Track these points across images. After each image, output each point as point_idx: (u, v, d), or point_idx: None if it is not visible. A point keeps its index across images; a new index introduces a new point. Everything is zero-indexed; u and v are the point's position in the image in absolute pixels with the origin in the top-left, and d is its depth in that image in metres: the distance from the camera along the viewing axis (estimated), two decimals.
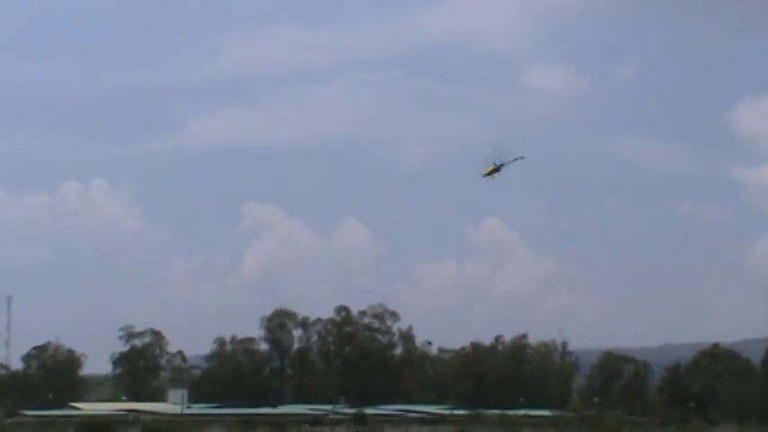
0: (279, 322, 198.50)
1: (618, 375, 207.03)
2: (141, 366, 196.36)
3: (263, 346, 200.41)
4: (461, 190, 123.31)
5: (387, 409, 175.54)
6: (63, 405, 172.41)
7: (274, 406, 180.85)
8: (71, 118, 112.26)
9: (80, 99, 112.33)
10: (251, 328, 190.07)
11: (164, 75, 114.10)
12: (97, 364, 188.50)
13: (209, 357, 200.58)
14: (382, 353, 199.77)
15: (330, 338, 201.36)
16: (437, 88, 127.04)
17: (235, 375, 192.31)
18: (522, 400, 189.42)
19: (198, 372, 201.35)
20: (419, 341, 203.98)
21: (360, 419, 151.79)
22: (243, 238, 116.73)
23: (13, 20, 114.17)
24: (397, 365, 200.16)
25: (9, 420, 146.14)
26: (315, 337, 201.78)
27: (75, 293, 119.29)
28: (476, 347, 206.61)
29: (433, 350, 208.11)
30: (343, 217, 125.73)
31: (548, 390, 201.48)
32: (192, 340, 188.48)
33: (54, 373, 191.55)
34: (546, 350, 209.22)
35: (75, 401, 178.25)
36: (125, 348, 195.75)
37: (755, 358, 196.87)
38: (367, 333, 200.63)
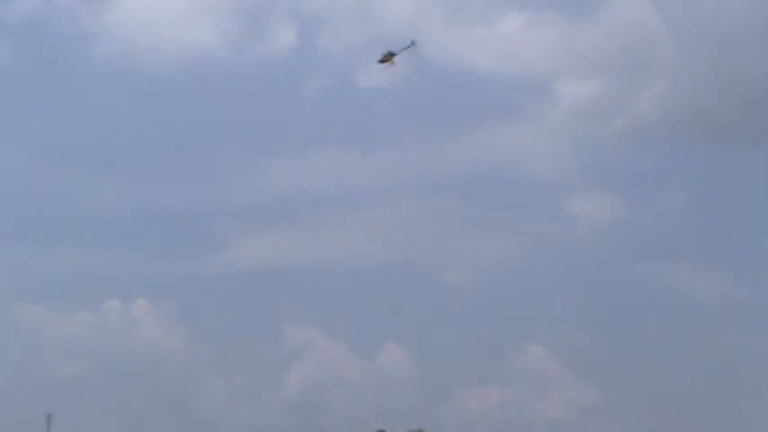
0: None
1: None
2: None
3: None
4: (503, 314, 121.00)
5: None
6: None
7: None
8: (115, 236, 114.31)
9: (124, 218, 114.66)
10: None
11: (208, 195, 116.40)
12: None
13: None
14: None
15: None
16: (479, 212, 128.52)
17: None
18: None
19: None
20: None
21: None
22: (284, 359, 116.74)
23: (59, 136, 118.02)
24: None
25: None
26: None
27: (115, 411, 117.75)
28: None
29: None
30: (384, 339, 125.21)
31: None
32: None
33: None
34: None
35: None
36: None
37: None
38: None
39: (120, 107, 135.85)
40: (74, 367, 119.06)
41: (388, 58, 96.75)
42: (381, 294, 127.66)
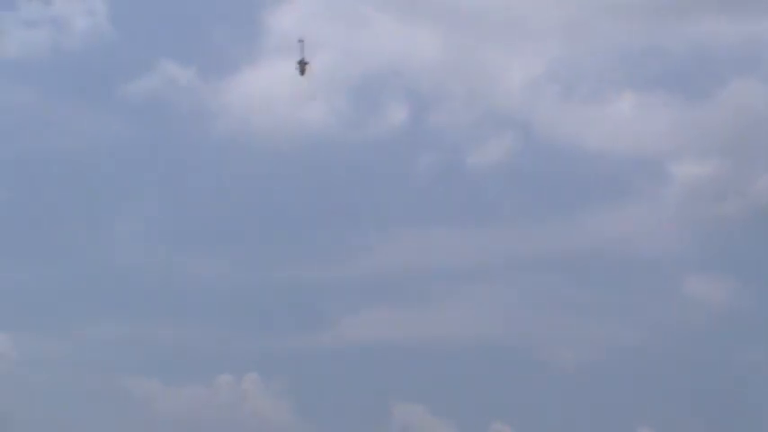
0: None
1: None
2: None
3: None
4: (612, 398, 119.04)
5: None
6: None
7: None
8: (228, 311, 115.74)
9: (238, 293, 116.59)
10: None
11: (319, 271, 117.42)
12: None
13: None
14: None
15: None
16: (590, 292, 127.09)
17: None
18: None
19: None
20: None
21: None
22: None
23: (175, 213, 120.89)
24: None
25: None
26: None
27: None
28: None
29: None
30: (492, 419, 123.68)
31: None
32: None
33: None
34: None
35: None
36: None
37: None
38: None
39: (235, 184, 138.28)
40: None
41: (303, 66, 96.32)
42: (489, 373, 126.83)
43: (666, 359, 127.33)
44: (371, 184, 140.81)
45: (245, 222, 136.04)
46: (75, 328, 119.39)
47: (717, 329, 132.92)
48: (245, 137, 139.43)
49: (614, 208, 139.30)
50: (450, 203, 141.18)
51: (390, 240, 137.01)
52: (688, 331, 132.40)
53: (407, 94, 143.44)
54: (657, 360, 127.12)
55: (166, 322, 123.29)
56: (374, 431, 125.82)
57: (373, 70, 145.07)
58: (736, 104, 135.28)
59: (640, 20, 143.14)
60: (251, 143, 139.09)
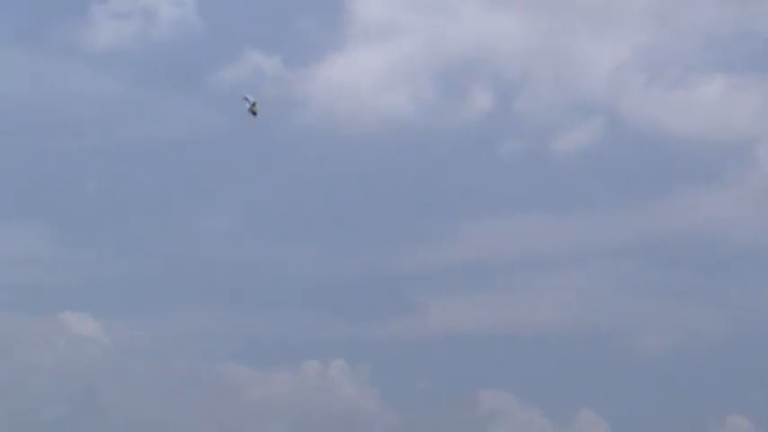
0: None
1: None
2: None
3: None
4: (703, 384, 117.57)
5: None
6: None
7: None
8: (315, 299, 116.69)
9: (324, 281, 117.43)
10: None
11: (404, 259, 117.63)
12: None
13: None
14: None
15: None
16: (677, 277, 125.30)
17: None
18: None
19: None
20: None
21: None
22: (478, 423, 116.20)
23: (261, 203, 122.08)
24: None
25: None
26: None
27: None
28: None
29: None
30: (579, 406, 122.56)
31: None
32: None
33: None
34: None
35: None
36: None
37: None
38: None
39: (320, 172, 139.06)
40: (273, 426, 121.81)
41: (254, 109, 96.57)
42: (576, 359, 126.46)
43: (756, 345, 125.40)
44: (456, 171, 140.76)
45: (331, 210, 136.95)
46: (166, 316, 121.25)
47: None
48: (330, 125, 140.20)
49: (702, 193, 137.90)
50: (535, 190, 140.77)
51: (475, 227, 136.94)
52: None
53: (492, 81, 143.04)
54: (747, 346, 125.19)
55: (255, 310, 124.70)
56: (461, 418, 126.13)
57: (459, 56, 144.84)
58: None
59: (729, 2, 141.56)
60: (336, 131, 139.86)
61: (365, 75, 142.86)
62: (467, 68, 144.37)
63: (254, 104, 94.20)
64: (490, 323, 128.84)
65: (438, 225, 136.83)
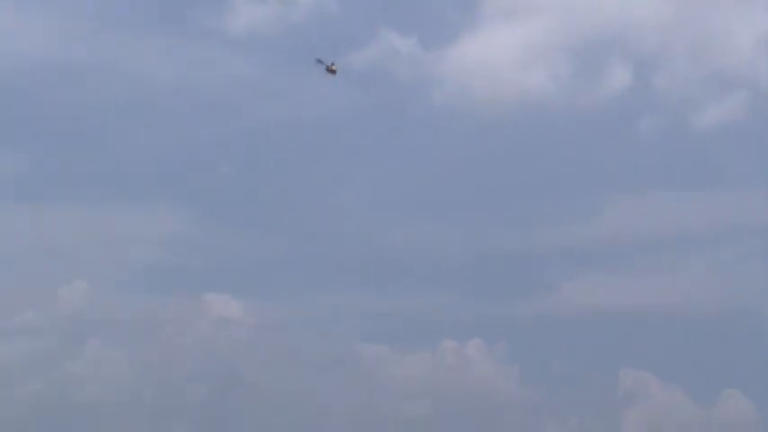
0: None
1: None
2: None
3: None
4: None
5: None
6: None
7: None
8: (451, 278, 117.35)
9: (460, 260, 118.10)
10: None
11: (541, 237, 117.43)
12: None
13: None
14: None
15: None
16: None
17: None
18: None
19: None
20: None
21: None
22: (618, 403, 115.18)
23: (398, 181, 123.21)
24: None
25: None
26: None
27: None
28: None
29: None
30: (724, 386, 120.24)
31: None
32: None
33: None
34: None
35: None
36: None
37: None
38: None
39: (457, 152, 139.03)
40: (412, 405, 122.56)
41: (332, 69, 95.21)
42: (720, 339, 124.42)
43: None
44: (594, 149, 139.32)
45: (469, 190, 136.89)
46: (307, 295, 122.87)
47: None
48: (465, 104, 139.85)
49: None
50: (675, 167, 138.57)
51: (613, 205, 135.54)
52: None
53: (630, 57, 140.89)
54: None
55: (394, 290, 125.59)
56: (600, 397, 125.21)
57: (595, 33, 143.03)
58: None
59: None
60: (472, 110, 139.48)
61: (501, 54, 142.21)
62: (603, 45, 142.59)
63: (331, 64, 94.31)
64: (631, 302, 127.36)
65: (577, 203, 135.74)
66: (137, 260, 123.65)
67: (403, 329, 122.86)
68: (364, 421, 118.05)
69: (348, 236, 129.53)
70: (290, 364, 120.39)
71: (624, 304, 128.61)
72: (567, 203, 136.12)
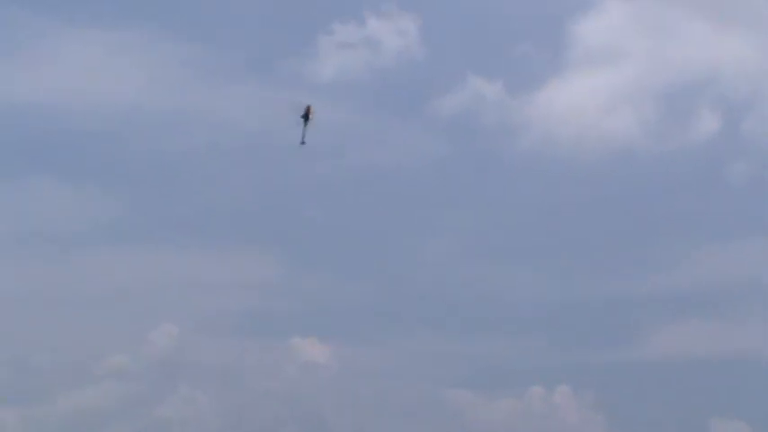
0: None
1: None
2: None
3: None
4: None
5: None
6: None
7: None
8: (538, 325, 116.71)
9: (547, 307, 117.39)
10: None
11: (629, 284, 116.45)
12: None
13: None
14: None
15: None
16: None
17: None
18: None
19: None
20: None
21: None
22: None
23: (482, 228, 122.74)
24: None
25: None
26: None
27: None
28: None
29: None
30: None
31: None
32: None
33: None
34: None
35: None
36: None
37: None
38: None
39: (542, 197, 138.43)
40: None
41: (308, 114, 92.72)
42: None
43: None
44: (682, 195, 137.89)
45: (554, 235, 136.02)
46: (393, 340, 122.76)
47: None
48: (551, 149, 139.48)
49: None
50: (765, 214, 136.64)
51: (701, 252, 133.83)
52: None
53: (719, 102, 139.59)
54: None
55: (480, 335, 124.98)
56: None
57: (683, 78, 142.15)
58: None
59: None
60: (558, 156, 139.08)
61: (587, 99, 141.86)
62: (692, 90, 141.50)
63: (307, 109, 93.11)
64: (722, 349, 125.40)
65: (664, 250, 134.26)
66: (224, 304, 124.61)
67: (489, 375, 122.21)
68: None
69: (435, 282, 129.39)
70: (375, 410, 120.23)
71: (715, 351, 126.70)
72: (654, 250, 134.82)
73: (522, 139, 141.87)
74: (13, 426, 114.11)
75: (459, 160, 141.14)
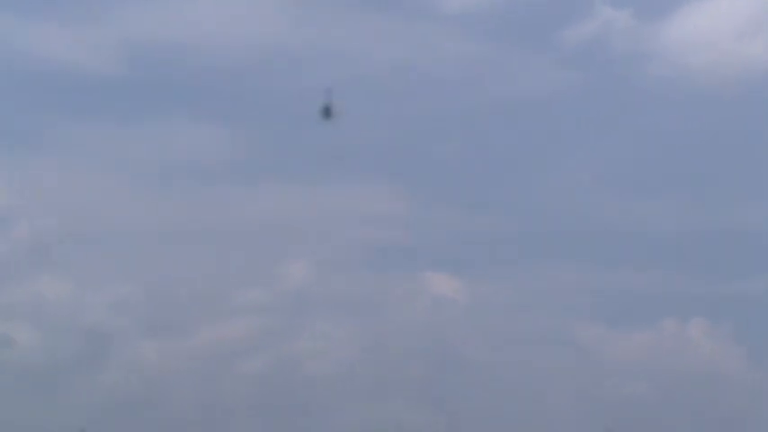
0: None
1: None
2: None
3: None
4: None
5: None
6: None
7: None
8: (672, 255, 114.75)
9: (682, 237, 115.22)
10: None
11: (763, 212, 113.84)
12: None
13: None
14: None
15: None
16: None
17: None
18: None
19: None
20: None
21: None
22: None
23: (616, 158, 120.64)
24: None
25: None
26: None
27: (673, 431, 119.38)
28: None
29: None
30: None
31: None
32: None
33: None
34: None
35: None
36: None
37: None
38: None
39: (674, 125, 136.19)
40: (630, 386, 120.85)
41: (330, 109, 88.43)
42: None
43: None
44: None
45: (691, 165, 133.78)
46: (524, 274, 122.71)
47: None
48: (684, 76, 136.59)
49: None
50: None
51: None
52: None
53: None
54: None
55: (613, 267, 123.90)
56: None
57: None
58: None
59: None
60: (691, 83, 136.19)
61: (721, 25, 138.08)
62: None
63: (328, 105, 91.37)
64: None
65: None
66: (355, 239, 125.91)
67: (621, 308, 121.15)
68: (581, 401, 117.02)
69: (565, 213, 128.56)
70: (506, 343, 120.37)
71: None
72: None
73: (653, 67, 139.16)
74: (154, 359, 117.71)
75: (590, 90, 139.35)
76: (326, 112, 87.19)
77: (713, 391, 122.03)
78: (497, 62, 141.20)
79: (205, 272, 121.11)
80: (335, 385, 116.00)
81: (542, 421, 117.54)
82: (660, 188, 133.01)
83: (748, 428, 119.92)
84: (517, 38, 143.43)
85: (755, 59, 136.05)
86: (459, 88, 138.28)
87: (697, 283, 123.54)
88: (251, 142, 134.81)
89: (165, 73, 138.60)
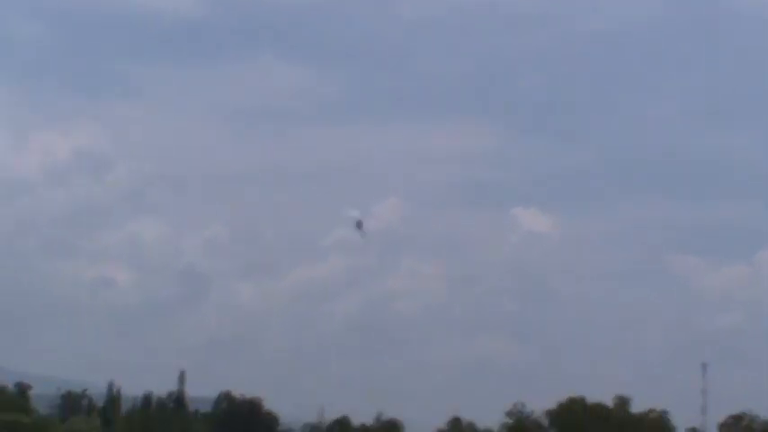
0: None
1: None
2: None
3: None
4: None
5: None
6: None
7: None
8: (762, 187, 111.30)
9: (754, 168, 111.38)
10: None
11: None
12: None
13: None
14: None
15: None
16: None
17: None
18: None
19: None
20: None
21: None
22: None
23: (707, 91, 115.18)
24: None
25: None
26: None
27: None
28: None
29: None
30: None
31: None
32: None
33: None
34: None
35: None
36: None
37: None
38: None
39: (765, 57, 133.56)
40: (725, 318, 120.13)
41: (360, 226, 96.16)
42: None
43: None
44: None
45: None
46: (616, 207, 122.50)
47: None
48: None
49: None
50: None
51: None
52: None
53: None
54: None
55: (707, 199, 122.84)
56: None
57: None
58: None
59: None
60: None
61: None
62: None
63: (359, 222, 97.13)
64: None
65: None
66: (447, 176, 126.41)
67: (715, 240, 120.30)
68: (675, 334, 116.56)
69: (658, 147, 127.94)
70: (600, 277, 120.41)
71: None
72: None
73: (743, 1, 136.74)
74: (250, 298, 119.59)
75: (676, 23, 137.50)
76: (359, 226, 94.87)
77: None
78: None
79: (297, 213, 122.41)
80: (426, 322, 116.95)
81: (636, 354, 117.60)
82: (752, 120, 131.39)
83: None
84: None
85: None
86: (545, 22, 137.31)
87: None
88: (338, 83, 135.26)
89: (248, 13, 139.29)
